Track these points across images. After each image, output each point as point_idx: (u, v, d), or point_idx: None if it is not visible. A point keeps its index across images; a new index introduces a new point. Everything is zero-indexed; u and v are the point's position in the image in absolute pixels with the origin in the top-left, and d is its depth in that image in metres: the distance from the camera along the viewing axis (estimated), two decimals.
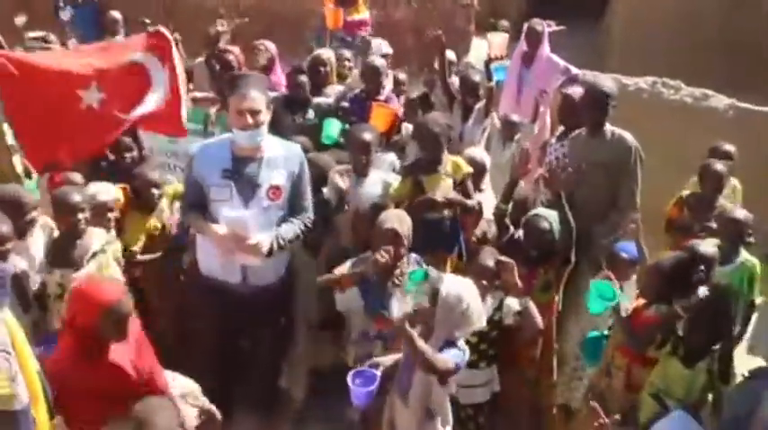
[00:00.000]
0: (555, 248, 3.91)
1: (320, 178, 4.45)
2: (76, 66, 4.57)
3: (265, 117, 3.75)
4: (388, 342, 3.79)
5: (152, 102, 4.77)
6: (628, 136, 4.56)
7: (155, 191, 4.42)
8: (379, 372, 3.31)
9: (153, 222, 4.45)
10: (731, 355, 3.42)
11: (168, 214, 4.55)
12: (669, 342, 3.57)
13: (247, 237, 3.68)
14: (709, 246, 3.93)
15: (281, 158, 3.85)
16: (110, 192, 4.36)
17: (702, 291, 3.61)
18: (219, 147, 3.88)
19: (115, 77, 4.62)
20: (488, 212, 4.61)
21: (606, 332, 3.94)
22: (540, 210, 4.02)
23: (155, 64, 4.76)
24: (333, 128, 5.11)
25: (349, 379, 3.28)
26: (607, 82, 4.73)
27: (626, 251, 4.23)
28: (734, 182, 4.93)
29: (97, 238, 4.04)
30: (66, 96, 4.53)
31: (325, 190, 4.48)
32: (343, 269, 3.82)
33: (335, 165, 4.59)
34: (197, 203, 3.88)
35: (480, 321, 3.19)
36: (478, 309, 3.18)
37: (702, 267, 3.80)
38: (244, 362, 4.28)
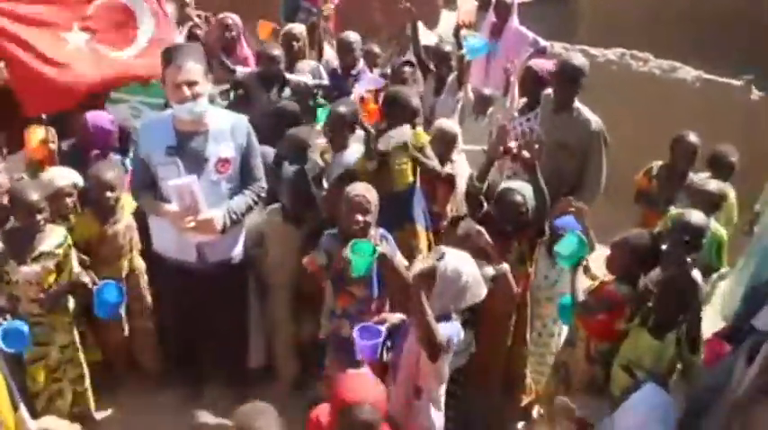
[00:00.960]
0: (528, 221, 3.89)
1: (300, 151, 4.42)
2: (54, 11, 4.56)
3: (203, 88, 3.67)
4: (354, 320, 3.76)
5: (142, 40, 4.78)
6: (593, 119, 4.52)
7: (109, 194, 4.03)
8: (384, 328, 3.30)
9: (102, 230, 4.11)
10: (699, 326, 3.45)
11: (124, 224, 4.20)
12: (637, 315, 3.58)
13: (197, 203, 3.61)
14: (698, 215, 3.87)
15: (227, 131, 3.77)
16: (68, 176, 4.17)
17: None
18: (162, 123, 3.79)
19: (98, 17, 4.63)
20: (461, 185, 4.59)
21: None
22: (513, 184, 3.97)
23: (139, 4, 4.75)
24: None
25: (354, 333, 3.27)
26: (578, 57, 4.66)
27: (565, 226, 4.09)
28: (731, 194, 4.64)
29: (54, 238, 3.81)
30: (51, 41, 4.51)
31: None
32: (314, 258, 3.78)
33: (315, 137, 4.55)
34: (146, 184, 3.80)
35: (480, 295, 3.19)
36: (478, 283, 3.17)
37: (687, 237, 3.73)
38: (209, 339, 4.24)
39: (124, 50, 4.71)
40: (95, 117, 4.60)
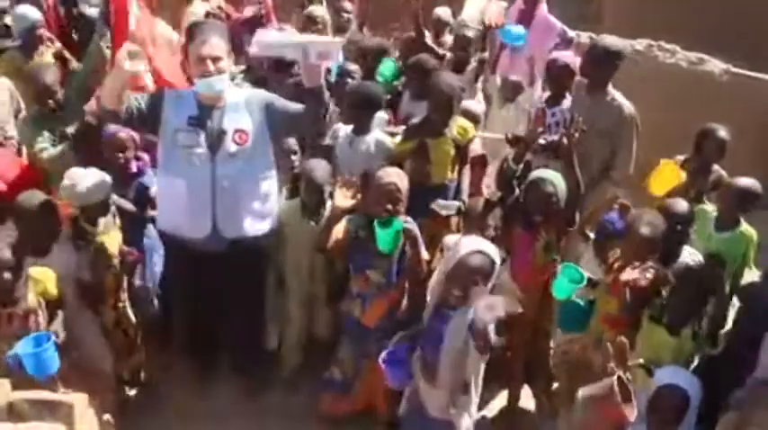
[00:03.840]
0: (558, 210, 3.86)
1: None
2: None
3: (226, 64, 3.66)
4: (367, 302, 3.81)
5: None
6: (627, 104, 4.57)
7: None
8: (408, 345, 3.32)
9: None
10: (722, 321, 3.43)
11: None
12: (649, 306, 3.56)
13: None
14: (680, 204, 3.91)
15: (242, 103, 3.75)
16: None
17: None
18: (187, 93, 3.78)
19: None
20: None
21: (582, 302, 3.82)
22: (544, 173, 3.94)
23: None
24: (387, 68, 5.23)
25: (381, 361, 3.27)
26: (611, 39, 4.77)
27: (614, 222, 4.06)
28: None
29: None
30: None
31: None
32: (339, 232, 3.78)
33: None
34: (141, 111, 3.68)
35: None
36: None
37: (679, 226, 3.78)
38: (225, 323, 4.20)
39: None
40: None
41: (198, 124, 3.68)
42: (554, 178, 3.84)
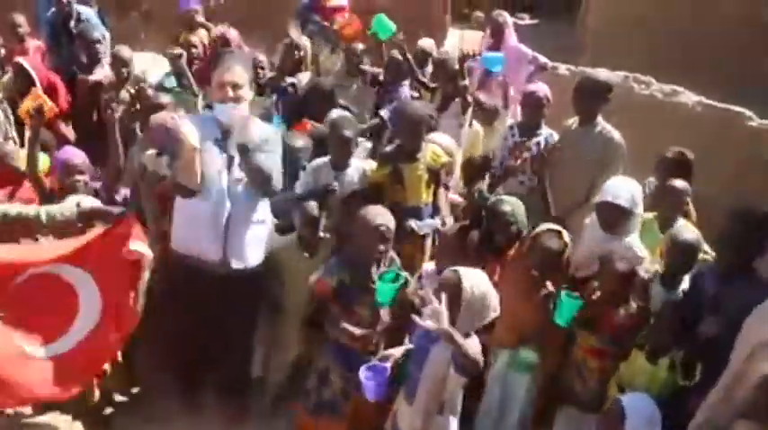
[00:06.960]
0: (518, 237, 3.96)
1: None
2: None
3: (247, 93, 3.78)
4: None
5: (78, 332, 3.52)
6: (616, 134, 4.67)
7: None
8: (389, 365, 3.31)
9: None
10: (696, 356, 3.44)
11: None
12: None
13: None
14: (689, 232, 3.89)
15: (256, 141, 3.84)
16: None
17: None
18: (212, 117, 3.91)
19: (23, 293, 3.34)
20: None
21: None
22: (506, 198, 4.07)
23: (87, 288, 3.54)
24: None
25: (360, 373, 3.29)
26: (603, 74, 4.90)
27: None
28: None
29: None
30: None
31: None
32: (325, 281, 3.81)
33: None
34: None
35: (497, 310, 3.20)
36: (496, 300, 3.20)
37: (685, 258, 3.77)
38: (215, 348, 4.20)
39: (47, 345, 3.39)
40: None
41: (220, 147, 3.81)
42: (512, 203, 3.99)
